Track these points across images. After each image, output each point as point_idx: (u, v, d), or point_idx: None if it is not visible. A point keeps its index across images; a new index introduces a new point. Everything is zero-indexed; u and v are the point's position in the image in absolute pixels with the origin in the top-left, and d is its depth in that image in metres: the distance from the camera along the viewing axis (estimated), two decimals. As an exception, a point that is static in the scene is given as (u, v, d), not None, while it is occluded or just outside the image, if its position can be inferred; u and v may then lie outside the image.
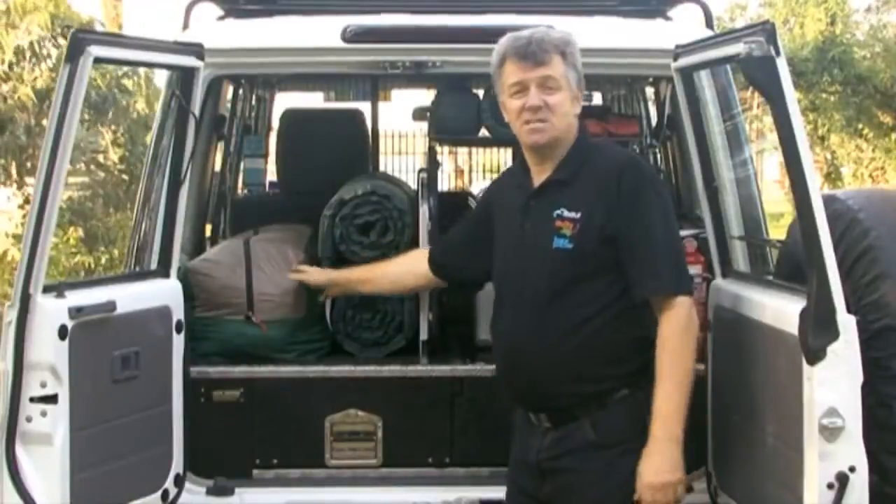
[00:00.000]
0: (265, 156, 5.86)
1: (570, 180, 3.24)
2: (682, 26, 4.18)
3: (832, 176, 18.61)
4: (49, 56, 10.46)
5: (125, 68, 10.73)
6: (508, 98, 3.28)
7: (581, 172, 3.24)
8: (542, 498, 3.28)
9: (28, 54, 10.25)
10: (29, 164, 10.70)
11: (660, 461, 3.06)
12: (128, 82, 10.95)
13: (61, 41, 10.37)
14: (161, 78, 10.75)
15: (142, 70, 11.04)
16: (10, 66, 10.28)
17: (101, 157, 11.00)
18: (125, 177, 10.93)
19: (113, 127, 10.82)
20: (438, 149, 5.40)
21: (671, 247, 3.21)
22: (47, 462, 3.32)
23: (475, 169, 16.70)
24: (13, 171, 10.73)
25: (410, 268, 3.84)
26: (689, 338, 3.12)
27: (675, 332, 3.10)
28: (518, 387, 3.32)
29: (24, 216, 10.29)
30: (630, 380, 3.16)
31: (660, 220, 3.19)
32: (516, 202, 3.35)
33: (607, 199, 3.17)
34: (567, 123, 3.26)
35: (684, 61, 3.75)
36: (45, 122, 10.10)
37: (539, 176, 3.31)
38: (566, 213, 3.20)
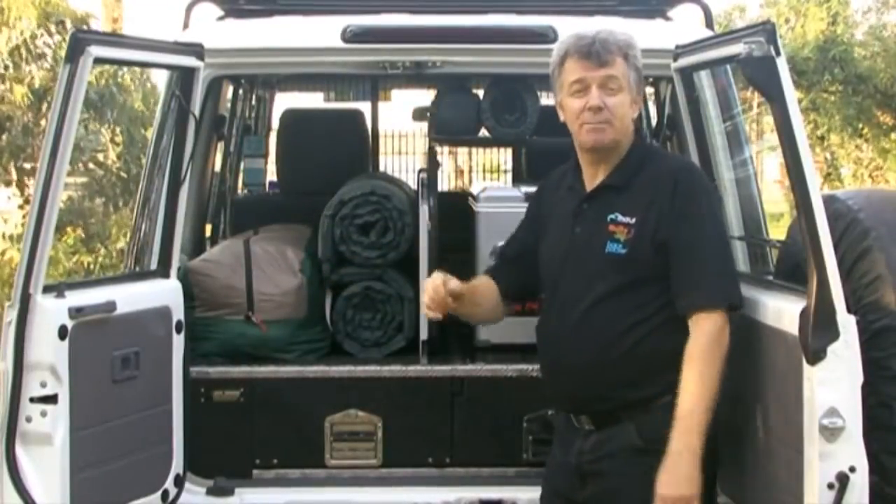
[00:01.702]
0: (265, 156, 5.86)
1: (624, 186, 3.20)
2: (682, 26, 4.18)
3: (831, 176, 18.61)
4: (44, 55, 10.42)
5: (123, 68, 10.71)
6: (568, 97, 3.21)
7: (636, 178, 3.19)
8: (580, 500, 3.25)
9: (23, 52, 10.22)
10: (28, 165, 10.69)
11: (675, 475, 3.01)
12: (125, 79, 10.92)
13: (55, 37, 10.35)
14: (158, 75, 10.80)
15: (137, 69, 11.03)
16: (6, 66, 10.26)
17: (100, 157, 10.98)
18: (123, 174, 10.91)
19: (111, 125, 10.79)
20: (438, 149, 5.41)
21: (717, 258, 3.14)
22: (47, 462, 3.32)
23: (475, 169, 16.70)
24: (13, 172, 10.71)
25: (495, 296, 3.50)
26: (718, 353, 3.07)
27: (704, 346, 3.05)
28: (562, 389, 3.29)
29: (24, 216, 10.28)
30: (676, 386, 3.08)
31: (709, 230, 3.14)
32: (568, 205, 3.30)
33: (660, 206, 3.13)
34: (626, 126, 3.21)
35: (684, 61, 3.75)
36: (43, 121, 10.12)
37: (592, 180, 3.26)
38: (620, 218, 3.15)
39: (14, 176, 10.68)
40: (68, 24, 10.39)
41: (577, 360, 3.20)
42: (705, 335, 3.06)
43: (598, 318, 3.16)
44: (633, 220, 3.15)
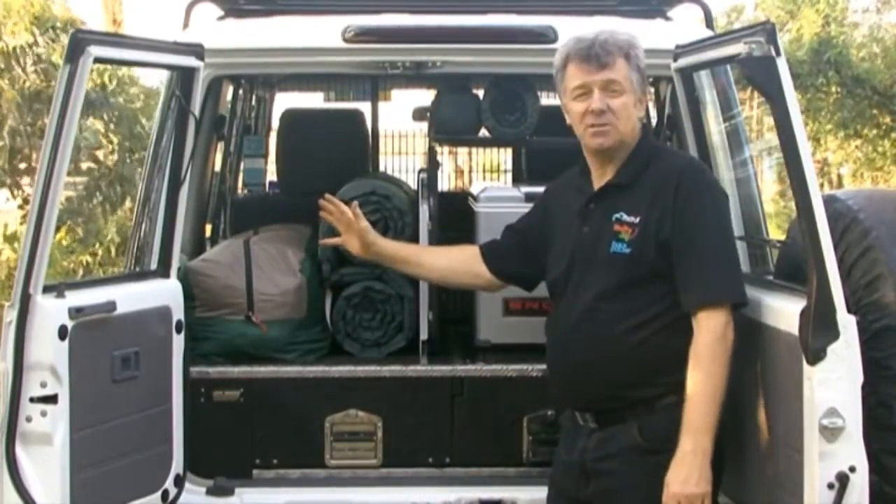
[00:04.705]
0: (265, 156, 5.86)
1: (629, 184, 3.22)
2: (682, 26, 4.19)
3: (828, 176, 18.62)
4: (38, 56, 10.42)
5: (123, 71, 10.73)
6: (571, 101, 3.26)
7: (642, 176, 3.21)
8: (583, 499, 3.26)
9: (17, 57, 10.22)
10: (23, 166, 10.69)
11: (687, 472, 3.02)
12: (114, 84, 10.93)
13: (45, 39, 10.34)
14: (150, 76, 10.79)
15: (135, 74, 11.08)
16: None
17: (99, 155, 10.98)
18: (123, 174, 10.90)
19: (107, 118, 10.78)
20: (438, 149, 5.40)
21: (722, 255, 3.15)
22: (47, 462, 3.32)
23: (475, 169, 16.69)
24: (9, 173, 10.70)
25: (468, 267, 3.65)
26: (723, 351, 3.08)
27: (710, 344, 3.06)
28: (568, 387, 3.32)
29: (23, 216, 10.28)
30: (679, 387, 3.10)
31: (712, 227, 3.14)
32: (575, 205, 3.33)
33: (664, 204, 3.14)
34: (631, 126, 3.24)
35: (684, 61, 3.75)
36: (39, 122, 10.11)
37: (600, 179, 3.29)
38: (625, 218, 3.17)
39: (8, 178, 10.68)
40: (58, 26, 10.40)
41: (583, 358, 3.22)
42: (710, 333, 3.07)
43: (603, 315, 3.18)
44: (637, 220, 3.16)
